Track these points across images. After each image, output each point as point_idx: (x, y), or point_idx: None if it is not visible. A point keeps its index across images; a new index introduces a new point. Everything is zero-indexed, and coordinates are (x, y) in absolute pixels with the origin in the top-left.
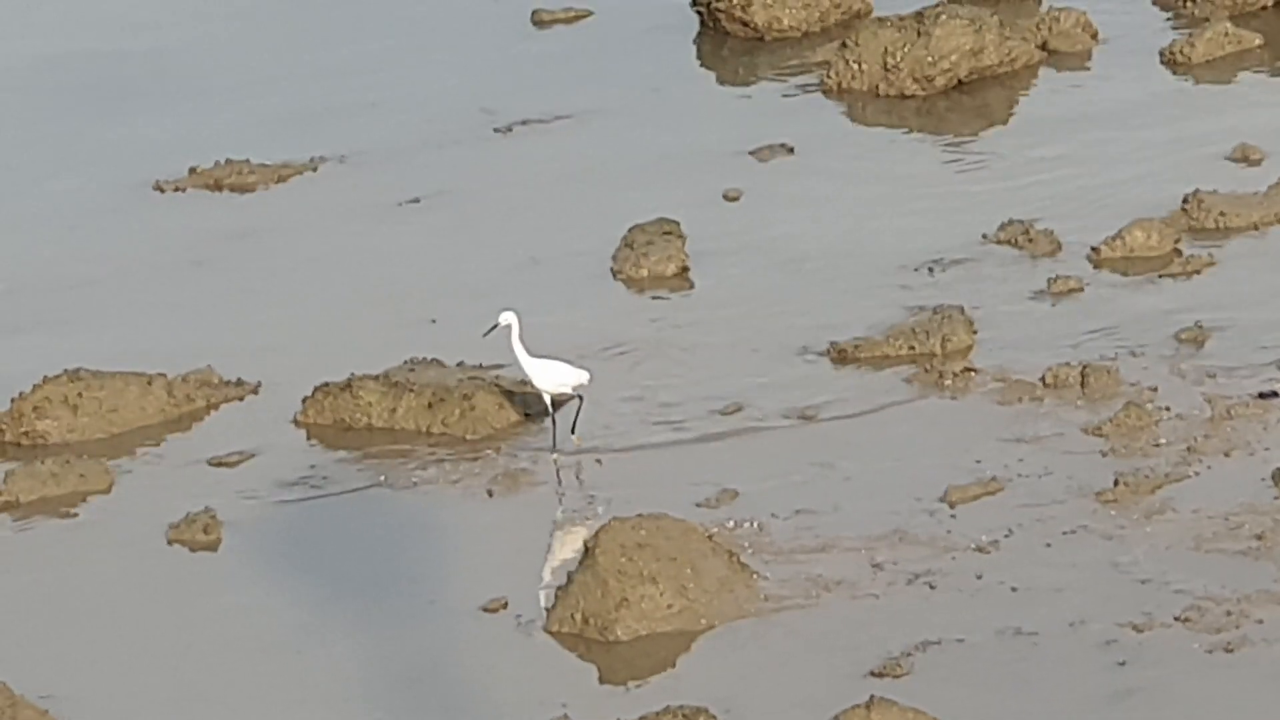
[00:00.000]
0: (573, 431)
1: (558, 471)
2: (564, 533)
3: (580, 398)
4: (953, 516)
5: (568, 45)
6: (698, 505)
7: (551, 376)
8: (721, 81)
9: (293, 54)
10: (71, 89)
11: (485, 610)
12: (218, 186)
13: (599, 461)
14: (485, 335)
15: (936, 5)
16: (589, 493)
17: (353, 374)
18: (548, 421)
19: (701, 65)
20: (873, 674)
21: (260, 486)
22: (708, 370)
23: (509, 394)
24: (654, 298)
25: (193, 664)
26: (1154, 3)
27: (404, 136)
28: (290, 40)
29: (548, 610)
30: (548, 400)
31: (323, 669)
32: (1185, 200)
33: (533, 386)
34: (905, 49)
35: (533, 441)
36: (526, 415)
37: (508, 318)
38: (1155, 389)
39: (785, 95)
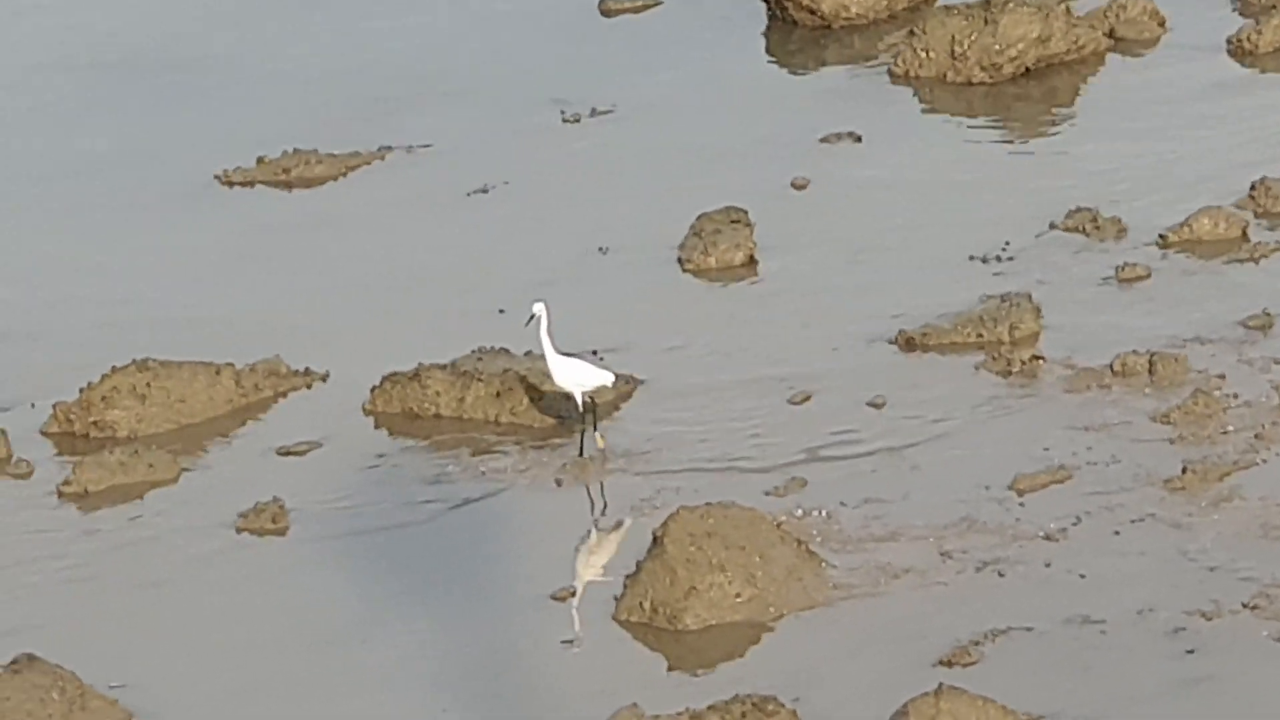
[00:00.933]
0: (594, 430)
1: (588, 483)
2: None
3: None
4: (1021, 504)
5: (635, 35)
6: (766, 494)
7: (572, 375)
8: (789, 70)
9: (361, 43)
10: (135, 78)
11: (554, 599)
12: (285, 176)
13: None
14: (526, 325)
15: None
16: (656, 481)
17: (421, 363)
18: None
19: (769, 54)
20: (941, 662)
21: (328, 476)
22: (776, 358)
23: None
24: (721, 286)
25: (260, 653)
26: None
27: (472, 126)
28: (358, 29)
29: (617, 599)
30: (577, 399)
31: (390, 658)
32: (1253, 187)
33: (553, 383)
34: (973, 37)
35: (602, 430)
36: (595, 404)
37: (539, 308)
38: (1223, 376)
39: (852, 83)
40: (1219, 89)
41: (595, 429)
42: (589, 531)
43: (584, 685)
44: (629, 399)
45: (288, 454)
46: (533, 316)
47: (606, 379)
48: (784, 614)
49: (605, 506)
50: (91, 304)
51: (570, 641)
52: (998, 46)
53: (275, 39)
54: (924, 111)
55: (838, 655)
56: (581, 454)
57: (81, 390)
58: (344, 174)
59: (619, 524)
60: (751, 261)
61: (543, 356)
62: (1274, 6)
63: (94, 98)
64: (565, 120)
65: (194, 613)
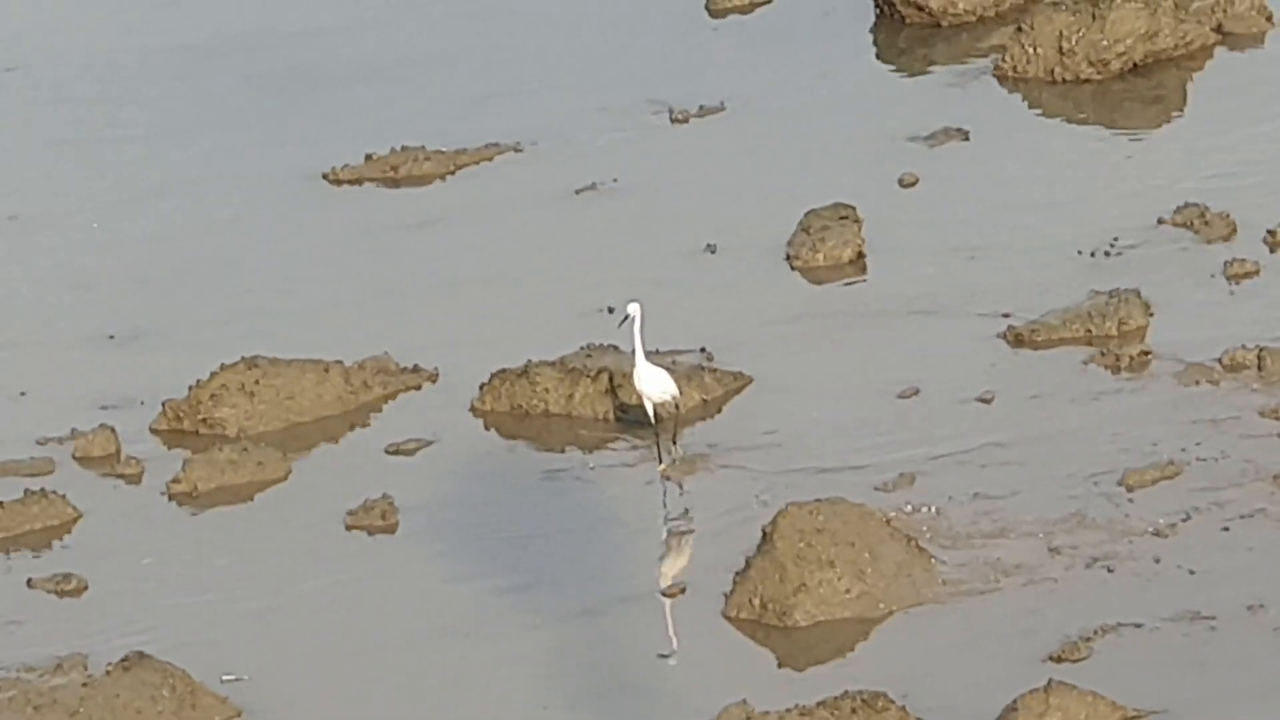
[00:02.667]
0: (674, 443)
1: (664, 485)
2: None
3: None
4: (1130, 500)
5: (743, 33)
6: (875, 490)
7: (655, 383)
8: (897, 67)
9: (467, 40)
10: (243, 75)
11: (664, 595)
12: (394, 174)
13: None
14: (620, 326)
15: None
16: (766, 477)
17: (530, 360)
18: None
19: (877, 51)
20: (1051, 658)
21: (437, 473)
22: (885, 354)
23: (687, 379)
24: (830, 283)
25: (369, 649)
26: None
27: (580, 124)
28: (465, 27)
29: (726, 595)
30: (649, 408)
31: (499, 654)
32: None
33: (635, 386)
34: (1080, 33)
35: (711, 426)
36: (704, 401)
37: (635, 309)
38: None
39: (960, 80)
40: None
41: (674, 441)
42: (666, 532)
43: (693, 681)
44: (738, 395)
45: (397, 451)
46: (627, 316)
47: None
48: (893, 610)
49: (669, 511)
50: (200, 302)
51: (667, 655)
52: (1105, 42)
53: (382, 36)
54: (1031, 108)
55: (947, 651)
56: (661, 460)
57: (190, 388)
58: (452, 171)
59: (687, 529)
60: (860, 258)
61: (632, 354)
62: None
63: (204, 95)
64: (673, 119)
65: (303, 610)
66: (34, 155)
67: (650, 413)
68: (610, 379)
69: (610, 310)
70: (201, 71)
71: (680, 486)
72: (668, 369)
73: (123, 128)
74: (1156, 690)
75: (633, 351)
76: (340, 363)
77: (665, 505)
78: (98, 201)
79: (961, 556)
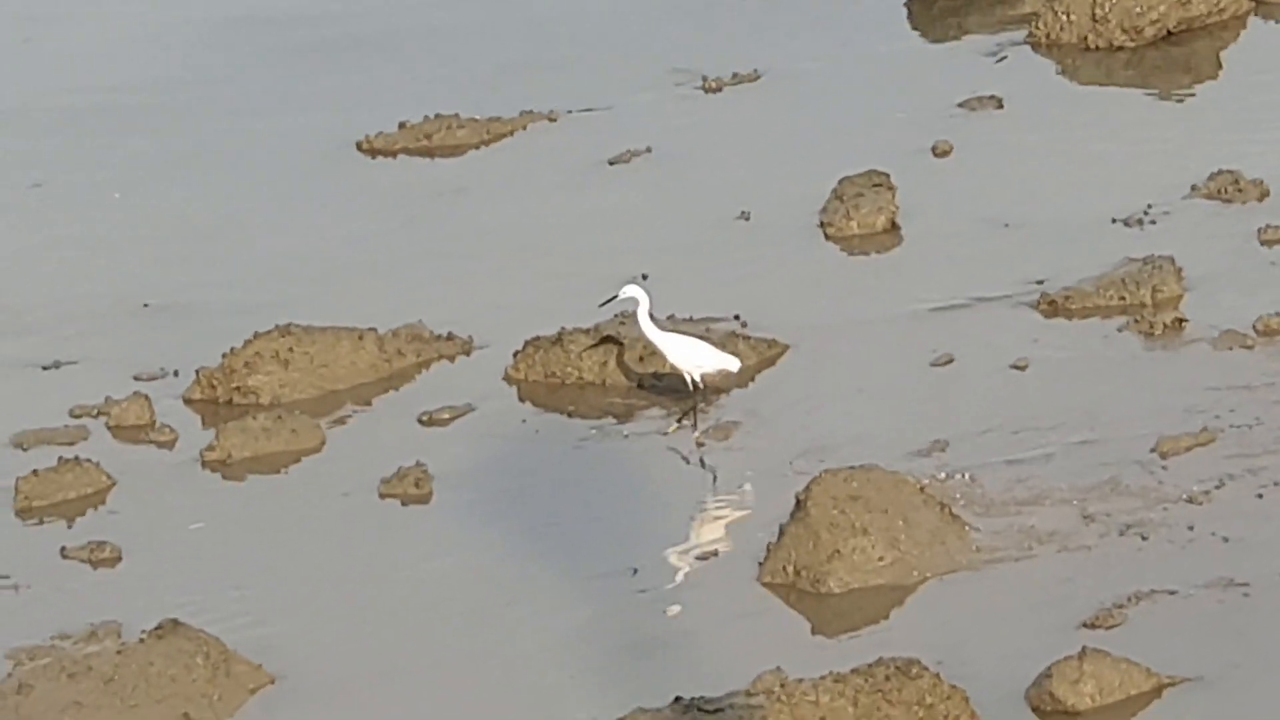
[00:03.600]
0: (679, 421)
1: (701, 456)
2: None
3: (698, 387)
4: (1164, 467)
5: (777, 1)
6: (909, 457)
7: (688, 355)
8: (930, 36)
9: (502, 9)
10: (276, 45)
11: (699, 560)
12: (427, 143)
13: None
14: (602, 306)
15: None
16: (800, 444)
17: (563, 328)
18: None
19: (910, 19)
20: (1085, 625)
21: (471, 440)
22: (918, 322)
23: (721, 346)
24: (863, 251)
25: (403, 618)
26: None
27: (613, 93)
28: None
29: (760, 562)
30: (689, 379)
31: (532, 621)
32: None
33: (669, 364)
34: (1114, 0)
35: (745, 394)
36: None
37: (630, 291)
38: None
39: (994, 48)
40: None
41: (681, 420)
42: (699, 499)
43: (728, 648)
44: (773, 364)
45: (430, 420)
46: (614, 297)
47: (730, 364)
48: (927, 578)
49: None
50: (234, 270)
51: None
52: (1139, 10)
53: (416, 5)
54: (1065, 76)
55: (981, 618)
56: (695, 427)
57: (224, 356)
58: (485, 140)
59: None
60: (894, 226)
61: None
62: None
63: (236, 64)
64: (707, 88)
65: (338, 579)
66: (59, 123)
67: (690, 383)
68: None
69: (644, 278)
70: (234, 41)
71: (704, 463)
72: (701, 336)
73: (152, 95)
74: (1190, 657)
75: (644, 333)
76: (374, 330)
77: (708, 470)
78: (126, 170)
79: (995, 524)
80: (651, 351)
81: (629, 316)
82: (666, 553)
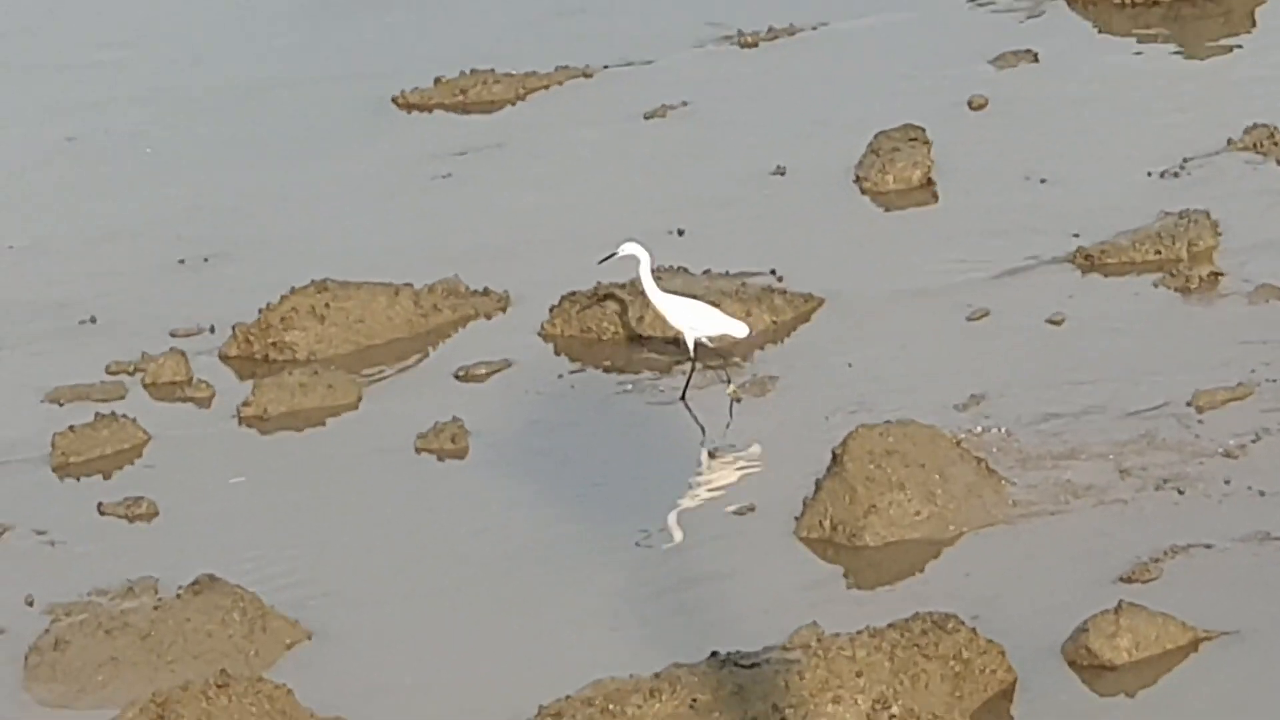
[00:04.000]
0: (727, 379)
1: (733, 406)
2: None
3: (694, 360)
4: (1200, 421)
5: None
6: (945, 411)
7: (686, 317)
8: None
9: None
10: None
11: (735, 514)
12: (463, 98)
13: (737, 400)
14: (600, 263)
15: None
16: (836, 399)
17: (599, 283)
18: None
19: None
20: (1121, 579)
21: (507, 396)
22: (954, 276)
23: (757, 301)
24: (899, 205)
25: (440, 573)
26: None
27: (649, 48)
28: None
29: (797, 517)
30: (690, 344)
31: (569, 576)
32: None
33: (671, 326)
34: None
35: (780, 348)
36: (774, 322)
37: (630, 249)
38: None
39: (1028, 2)
40: None
41: (728, 379)
42: (736, 454)
43: (764, 603)
44: (809, 319)
45: (466, 375)
46: (613, 254)
47: (735, 329)
48: (963, 532)
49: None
50: (269, 226)
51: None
52: None
53: None
54: (1100, 30)
55: (1017, 573)
56: (730, 382)
57: (260, 312)
58: (521, 95)
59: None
60: (929, 181)
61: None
62: None
63: (271, 17)
64: (742, 43)
65: (374, 534)
66: (90, 76)
67: (690, 347)
68: (702, 300)
69: (680, 233)
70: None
71: (725, 416)
72: (736, 292)
73: (185, 49)
74: (1227, 611)
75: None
76: (410, 286)
77: (731, 418)
78: (159, 124)
79: (1031, 478)
80: (655, 314)
81: (665, 272)
82: (703, 507)
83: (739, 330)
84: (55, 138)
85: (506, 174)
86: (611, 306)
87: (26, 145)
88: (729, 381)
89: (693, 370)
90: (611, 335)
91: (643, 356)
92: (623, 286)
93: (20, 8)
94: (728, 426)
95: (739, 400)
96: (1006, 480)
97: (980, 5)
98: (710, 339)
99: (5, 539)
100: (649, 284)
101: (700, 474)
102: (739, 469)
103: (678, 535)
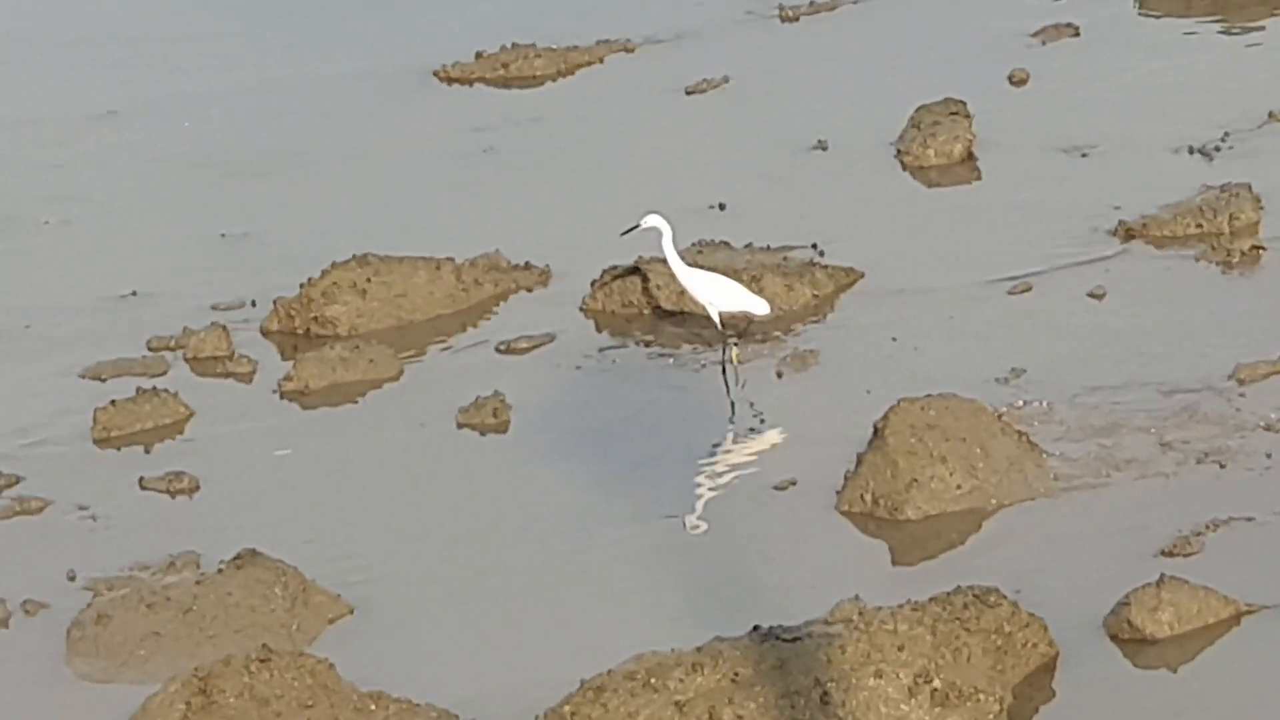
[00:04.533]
0: (730, 350)
1: (727, 387)
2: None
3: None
4: (1242, 395)
5: None
6: (986, 384)
7: (708, 291)
8: None
9: None
10: None
11: (776, 490)
12: (504, 72)
13: (779, 375)
14: (623, 235)
15: None
16: (877, 373)
17: (640, 257)
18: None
19: None
20: (1163, 553)
21: (549, 371)
22: (995, 250)
23: (798, 275)
24: (940, 180)
25: (482, 548)
26: None
27: (690, 22)
28: None
29: (838, 491)
30: (715, 317)
31: (611, 552)
32: None
33: (693, 301)
34: None
35: (821, 323)
36: (815, 296)
37: (652, 220)
38: None
39: None
40: None
41: (733, 348)
42: (776, 427)
43: (806, 577)
44: (849, 290)
45: (508, 349)
46: (635, 226)
47: (756, 306)
48: (1005, 505)
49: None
50: (311, 200)
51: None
52: None
53: None
54: (1141, 5)
55: (1059, 546)
56: (731, 363)
57: (302, 286)
58: (563, 71)
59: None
60: (970, 155)
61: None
62: None
63: None
64: (784, 17)
65: (416, 508)
66: (130, 54)
67: (716, 320)
68: (744, 274)
69: (722, 207)
70: None
71: (768, 389)
72: (778, 266)
73: (227, 23)
74: (1269, 584)
75: (665, 262)
76: (451, 260)
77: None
78: (200, 97)
79: (1072, 451)
80: (678, 288)
81: (707, 246)
82: (744, 480)
83: (759, 308)
84: (97, 111)
85: (547, 148)
86: (649, 279)
87: (67, 118)
88: (732, 351)
89: (724, 343)
90: (653, 309)
91: (684, 330)
92: (662, 261)
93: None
94: (751, 407)
95: (781, 375)
96: (1048, 454)
97: None
98: (728, 314)
99: (47, 514)
100: (672, 256)
101: (740, 449)
102: (781, 443)
103: (706, 515)
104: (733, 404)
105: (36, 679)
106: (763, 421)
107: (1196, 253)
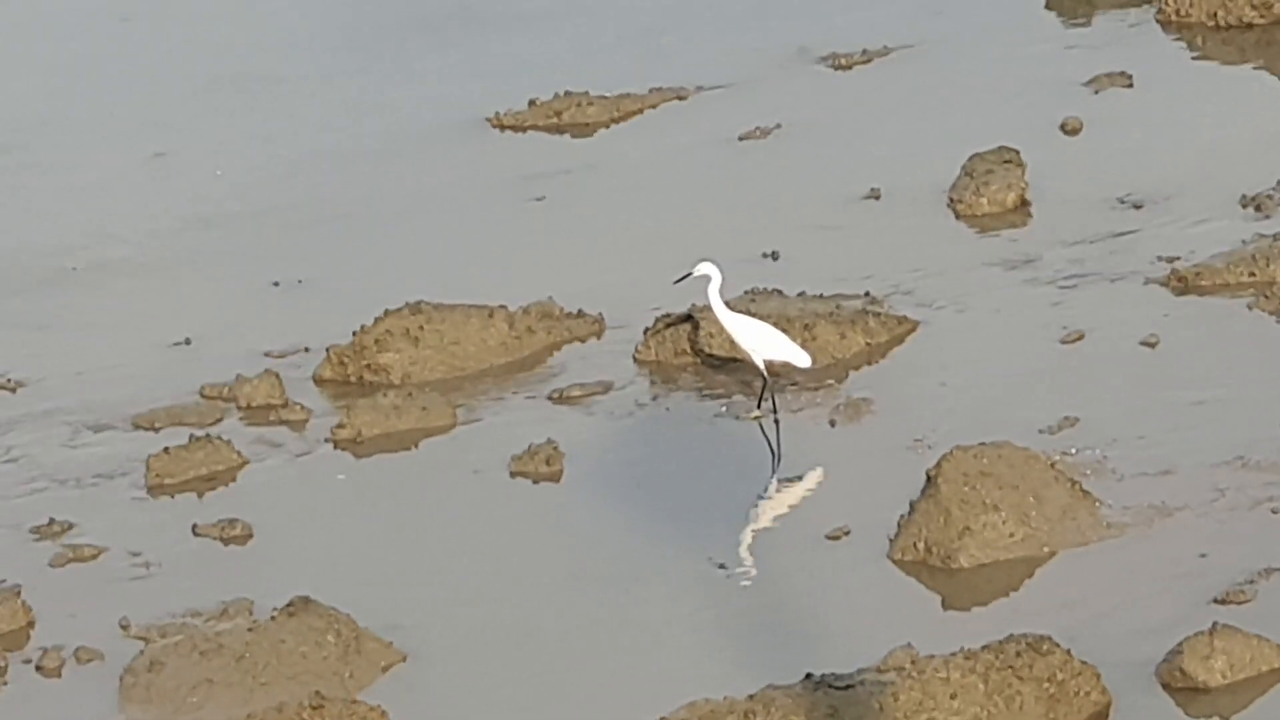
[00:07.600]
0: (758, 407)
1: (764, 430)
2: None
3: (765, 379)
4: None
5: None
6: (1039, 433)
7: (753, 339)
8: (1059, 12)
9: None
10: (410, 16)
11: (829, 539)
12: (557, 120)
13: (832, 423)
14: (676, 283)
15: None
16: (930, 421)
17: (694, 305)
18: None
19: None
20: (1216, 601)
21: (601, 418)
22: (1048, 299)
23: (851, 323)
24: (994, 228)
25: (533, 595)
26: None
27: (743, 70)
28: None
29: (891, 539)
30: (760, 365)
31: (663, 600)
32: None
33: (738, 349)
34: None
35: (875, 371)
36: (869, 345)
37: (705, 269)
38: None
39: (1122, 26)
40: None
41: (759, 405)
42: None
43: (858, 625)
44: (903, 341)
45: (561, 398)
46: (688, 275)
47: (799, 358)
48: (1058, 553)
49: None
50: (364, 247)
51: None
52: None
53: None
54: (1194, 54)
55: (1111, 594)
56: (759, 407)
57: (355, 334)
58: (615, 119)
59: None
60: (1024, 203)
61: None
62: None
63: (367, 36)
64: (836, 65)
65: (468, 556)
66: (180, 94)
67: (762, 368)
68: (796, 323)
69: (775, 256)
70: (366, 11)
71: (818, 437)
72: (830, 314)
73: (279, 67)
74: None
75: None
76: (504, 308)
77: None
78: (251, 142)
79: (1125, 499)
80: (724, 334)
81: (760, 294)
82: (797, 530)
83: (801, 360)
84: (143, 153)
85: (600, 196)
86: (701, 328)
87: (112, 163)
88: (759, 405)
89: (767, 390)
90: (705, 358)
91: (736, 378)
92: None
93: (115, 34)
94: (802, 455)
95: (834, 423)
96: (1100, 501)
97: (1074, 26)
98: (772, 363)
99: (100, 561)
100: (717, 303)
101: (792, 497)
102: (833, 491)
103: (759, 563)
104: (776, 454)
105: None
106: (814, 470)
107: (1249, 301)
